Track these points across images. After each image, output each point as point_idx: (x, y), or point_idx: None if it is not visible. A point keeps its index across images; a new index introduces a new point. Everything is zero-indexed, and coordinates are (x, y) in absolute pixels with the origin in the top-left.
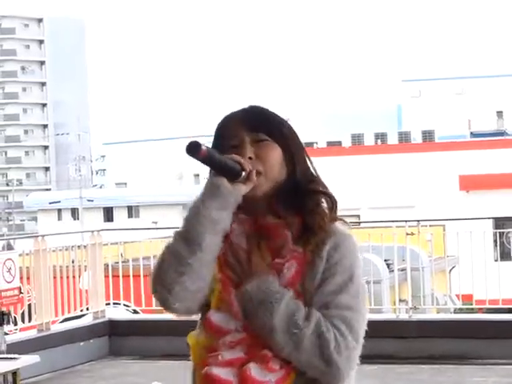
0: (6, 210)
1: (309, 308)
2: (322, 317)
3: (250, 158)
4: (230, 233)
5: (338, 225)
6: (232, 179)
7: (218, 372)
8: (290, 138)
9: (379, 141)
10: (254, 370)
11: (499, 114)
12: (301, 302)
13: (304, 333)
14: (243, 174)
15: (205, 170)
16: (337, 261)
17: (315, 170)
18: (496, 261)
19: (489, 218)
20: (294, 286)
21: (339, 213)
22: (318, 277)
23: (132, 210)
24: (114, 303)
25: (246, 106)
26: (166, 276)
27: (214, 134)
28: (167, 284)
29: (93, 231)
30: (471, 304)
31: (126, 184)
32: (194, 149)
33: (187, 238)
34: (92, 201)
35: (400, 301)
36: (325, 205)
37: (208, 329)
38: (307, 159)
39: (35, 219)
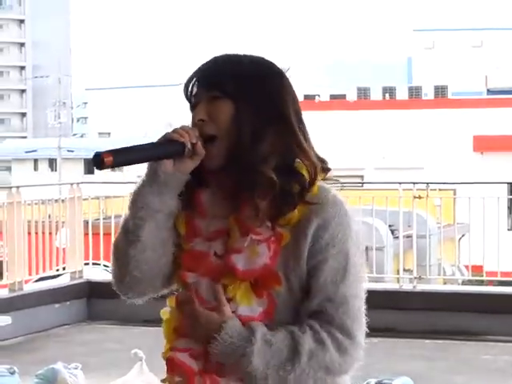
0: None
1: (293, 337)
2: (315, 340)
3: (201, 121)
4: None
5: (323, 190)
6: (178, 158)
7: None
8: (247, 92)
9: (387, 95)
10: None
11: None
12: (274, 335)
13: (298, 371)
14: (187, 149)
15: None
16: (328, 242)
17: (291, 129)
18: (510, 230)
19: (504, 183)
20: (271, 271)
21: (341, 173)
22: (304, 261)
23: None
24: (93, 263)
25: (213, 56)
26: (116, 267)
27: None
28: (118, 274)
29: (72, 184)
30: (481, 276)
31: (109, 134)
32: (97, 163)
33: (127, 230)
34: (72, 151)
35: (404, 270)
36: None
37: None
38: (280, 120)
39: (9, 169)
